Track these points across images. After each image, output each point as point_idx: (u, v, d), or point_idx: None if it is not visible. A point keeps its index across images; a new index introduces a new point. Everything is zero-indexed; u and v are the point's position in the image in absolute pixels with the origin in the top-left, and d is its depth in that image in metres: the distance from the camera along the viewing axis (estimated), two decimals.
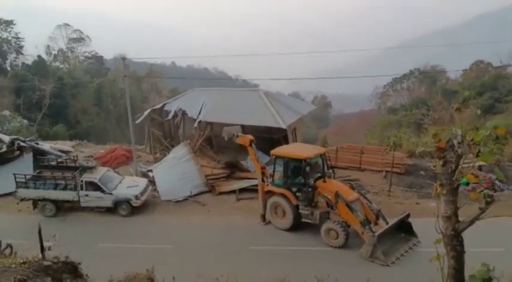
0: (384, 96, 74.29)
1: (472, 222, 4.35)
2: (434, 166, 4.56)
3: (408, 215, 16.26)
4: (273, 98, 27.52)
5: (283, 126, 23.44)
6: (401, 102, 68.19)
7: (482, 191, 4.38)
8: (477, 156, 4.04)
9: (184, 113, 27.48)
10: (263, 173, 18.17)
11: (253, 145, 18.43)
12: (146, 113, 28.46)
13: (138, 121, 28.04)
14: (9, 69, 65.18)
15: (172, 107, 27.75)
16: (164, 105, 28.58)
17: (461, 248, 4.50)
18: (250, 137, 18.68)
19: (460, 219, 4.48)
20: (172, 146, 26.60)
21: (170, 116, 27.66)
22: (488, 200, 4.24)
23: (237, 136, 19.00)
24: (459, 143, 4.34)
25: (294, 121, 25.68)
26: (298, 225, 17.19)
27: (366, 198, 17.13)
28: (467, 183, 19.70)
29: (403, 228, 16.13)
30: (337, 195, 15.76)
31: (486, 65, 58.88)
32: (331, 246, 15.82)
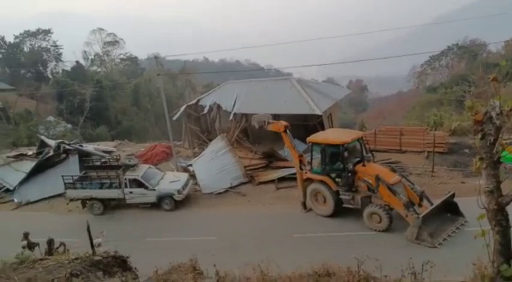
0: (422, 75, 71.82)
1: None
2: (473, 141, 4.40)
3: (453, 195, 15.78)
4: (306, 85, 27.29)
5: (319, 112, 23.23)
6: (440, 80, 65.73)
7: None
8: None
9: (219, 107, 27.79)
10: (300, 161, 18.06)
11: (288, 131, 18.16)
12: (182, 109, 28.96)
13: (174, 118, 28.58)
14: (50, 76, 67.84)
15: (207, 101, 28.10)
16: (199, 100, 29.00)
17: (506, 223, 4.35)
18: (284, 123, 18.36)
19: (504, 193, 4.33)
20: (210, 140, 26.96)
21: (205, 111, 28.04)
22: None
23: (268, 123, 18.78)
24: (497, 114, 4.18)
25: (329, 107, 25.39)
26: (339, 211, 17.07)
27: (408, 180, 16.76)
28: None
29: (450, 209, 15.70)
30: (377, 178, 15.51)
31: None
32: (375, 230, 15.61)
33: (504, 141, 4.27)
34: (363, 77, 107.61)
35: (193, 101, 29.63)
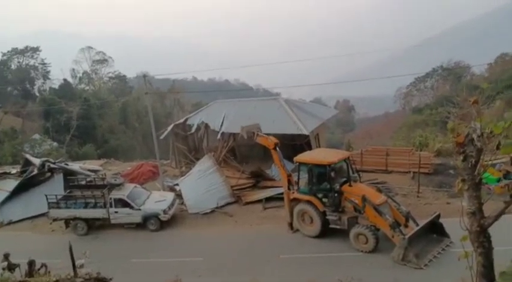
0: (408, 96, 73.12)
1: (497, 217, 4.23)
2: (456, 162, 4.45)
3: (439, 216, 15.86)
4: (294, 105, 27.51)
5: (306, 132, 23.36)
6: (426, 101, 66.90)
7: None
8: (497, 148, 3.93)
9: (207, 126, 27.79)
10: (289, 181, 18.01)
11: (277, 149, 18.01)
12: (169, 128, 28.91)
13: (162, 137, 28.50)
14: (37, 94, 67.44)
15: (195, 120, 28.13)
16: (187, 119, 29.03)
17: (489, 245, 4.36)
18: (274, 139, 18.06)
19: (486, 215, 4.36)
20: (197, 159, 26.84)
21: (193, 130, 28.03)
22: None
23: (258, 135, 18.52)
24: (479, 136, 4.25)
25: (316, 127, 25.58)
26: (326, 232, 16.99)
27: (394, 200, 16.83)
28: (499, 180, 19.26)
29: (435, 229, 15.74)
30: (364, 198, 15.53)
31: (511, 57, 57.31)
32: (362, 251, 15.56)
33: (485, 163, 4.32)
34: (350, 98, 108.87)
35: (181, 120, 29.63)
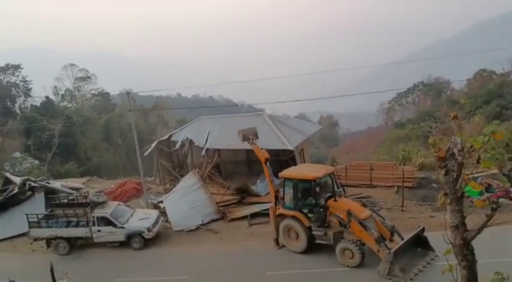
0: (390, 111, 74.27)
1: (480, 230, 4.30)
2: (438, 176, 4.52)
3: (423, 229, 15.99)
4: (278, 120, 27.65)
5: (290, 148, 23.44)
6: (407, 116, 68.05)
7: (495, 199, 4.35)
8: (478, 162, 4.02)
9: (191, 142, 27.70)
10: (276, 196, 18.01)
11: (268, 164, 18.08)
12: (153, 145, 28.72)
13: (146, 153, 28.27)
14: (18, 112, 66.47)
15: (179, 137, 28.01)
16: (171, 135, 28.88)
17: (472, 258, 4.42)
18: (265, 153, 18.20)
19: (469, 228, 4.43)
20: (182, 176, 26.65)
21: (177, 146, 27.90)
22: (494, 206, 4.19)
23: (253, 142, 18.68)
24: (459, 151, 4.33)
25: (300, 142, 25.69)
26: (312, 247, 16.95)
27: (378, 214, 16.90)
28: (481, 193, 19.52)
29: (420, 243, 15.84)
30: (349, 213, 15.58)
31: (489, 73, 58.82)
32: (348, 266, 15.54)
33: (467, 177, 4.40)
34: (334, 113, 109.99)
35: (165, 137, 29.48)
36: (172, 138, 28.46)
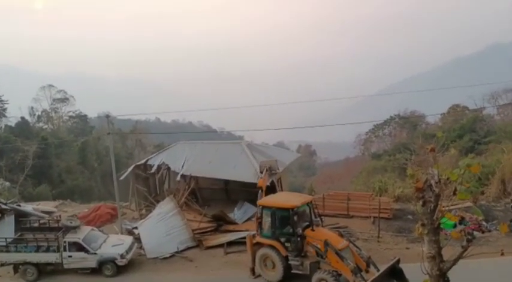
0: (367, 142, 75.38)
1: (456, 261, 4.37)
2: (415, 208, 4.61)
3: (399, 261, 16.01)
4: (256, 149, 27.64)
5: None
6: (384, 147, 69.14)
7: (468, 231, 4.46)
8: (454, 194, 4.13)
9: (168, 167, 27.43)
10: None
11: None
12: (130, 169, 28.30)
13: (122, 178, 27.76)
14: None
15: (156, 161, 27.74)
16: (148, 160, 28.55)
17: None
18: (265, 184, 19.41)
19: (445, 259, 4.50)
20: (158, 201, 26.24)
21: (153, 170, 27.56)
22: (469, 238, 4.28)
23: (267, 173, 19.97)
24: (436, 182, 4.45)
25: (278, 171, 25.69)
26: (288, 277, 16.76)
27: (355, 245, 16.90)
28: (455, 225, 19.81)
29: (395, 275, 15.83)
30: (326, 243, 15.53)
31: (462, 108, 60.60)
32: None
33: (443, 208, 4.50)
34: (312, 143, 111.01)
35: (142, 161, 29.11)
36: (149, 162, 28.15)
